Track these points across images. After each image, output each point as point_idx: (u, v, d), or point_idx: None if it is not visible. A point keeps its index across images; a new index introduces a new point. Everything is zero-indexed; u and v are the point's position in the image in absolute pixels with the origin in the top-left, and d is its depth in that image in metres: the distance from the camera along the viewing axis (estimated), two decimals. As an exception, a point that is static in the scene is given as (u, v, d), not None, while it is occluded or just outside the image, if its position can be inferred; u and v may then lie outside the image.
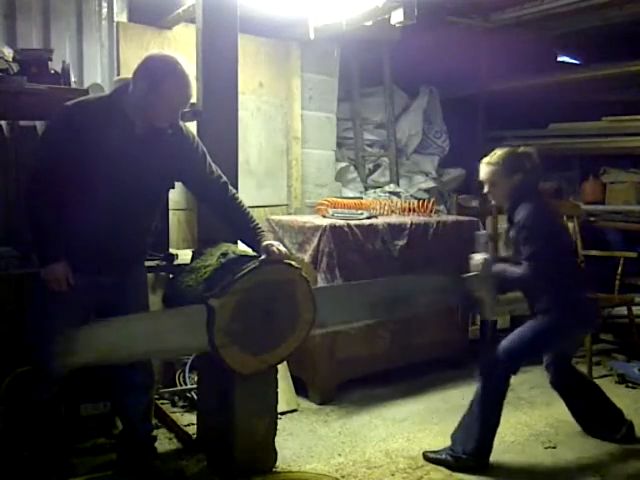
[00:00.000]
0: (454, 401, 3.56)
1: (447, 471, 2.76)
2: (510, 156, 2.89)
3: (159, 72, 2.26)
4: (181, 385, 3.52)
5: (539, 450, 3.01)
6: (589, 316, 2.96)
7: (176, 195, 3.69)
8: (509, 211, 2.90)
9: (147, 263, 2.75)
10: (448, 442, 2.86)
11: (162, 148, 2.38)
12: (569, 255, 2.99)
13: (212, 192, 2.56)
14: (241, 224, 2.58)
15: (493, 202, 3.09)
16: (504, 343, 2.81)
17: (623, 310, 4.30)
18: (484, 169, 2.95)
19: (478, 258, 2.89)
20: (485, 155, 3.01)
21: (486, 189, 2.98)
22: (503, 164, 2.87)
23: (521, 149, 2.96)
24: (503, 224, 5.01)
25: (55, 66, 2.94)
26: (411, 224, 3.83)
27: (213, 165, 2.55)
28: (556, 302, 2.79)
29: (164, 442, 2.98)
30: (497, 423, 2.78)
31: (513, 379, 2.81)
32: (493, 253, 4.21)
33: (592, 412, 3.12)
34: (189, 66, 2.33)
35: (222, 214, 2.61)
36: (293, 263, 2.52)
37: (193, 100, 2.90)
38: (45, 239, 2.29)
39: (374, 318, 3.12)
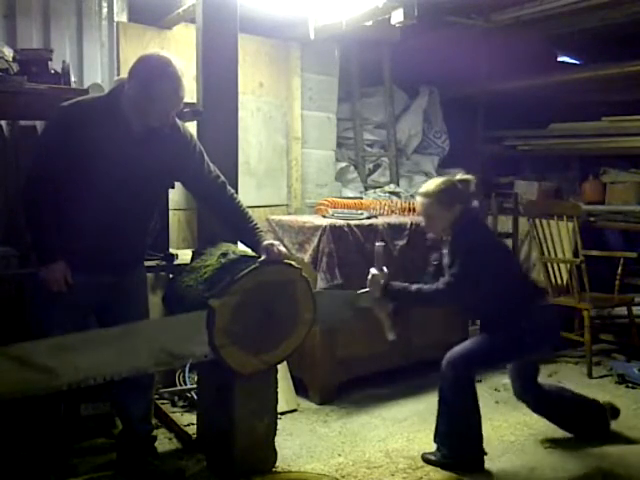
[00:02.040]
0: (454, 401, 3.56)
1: (447, 471, 2.75)
2: (445, 188, 2.73)
3: (150, 72, 2.27)
4: (181, 385, 3.52)
5: (539, 450, 3.01)
6: (539, 338, 2.80)
7: (176, 195, 3.69)
8: (451, 243, 2.75)
9: (147, 263, 2.76)
10: (448, 442, 2.86)
11: (159, 147, 2.38)
12: (514, 271, 2.89)
13: (210, 192, 2.56)
14: (240, 224, 2.58)
15: (430, 235, 2.92)
16: (471, 345, 2.79)
17: (623, 310, 4.30)
18: (420, 201, 2.78)
19: (374, 272, 2.77)
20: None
21: (423, 223, 2.84)
22: (439, 196, 2.72)
23: (458, 177, 2.81)
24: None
25: (55, 66, 2.94)
26: (411, 224, 3.83)
27: (211, 165, 2.55)
28: (500, 326, 2.74)
29: (164, 442, 2.98)
30: (479, 419, 2.76)
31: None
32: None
33: (571, 420, 3.08)
34: (183, 66, 2.32)
35: (220, 214, 2.62)
36: (293, 263, 2.52)
37: (193, 100, 2.93)
38: (43, 239, 2.29)
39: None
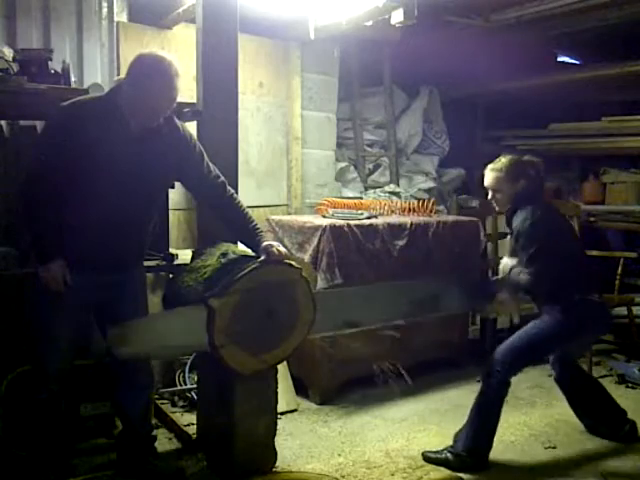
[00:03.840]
0: (454, 401, 3.56)
1: (447, 471, 2.76)
2: (514, 163, 2.94)
3: (141, 70, 2.27)
4: (181, 385, 3.52)
5: (539, 450, 3.01)
6: (596, 319, 2.91)
7: (176, 195, 3.69)
8: (508, 217, 2.92)
9: (147, 263, 2.76)
10: (447, 442, 2.87)
11: (158, 147, 2.37)
12: (576, 257, 2.96)
13: (210, 191, 2.56)
14: (240, 224, 2.58)
15: (496, 208, 3.10)
16: (506, 346, 2.82)
17: (623, 310, 4.30)
18: (488, 175, 2.98)
19: (505, 261, 2.91)
20: (485, 156, 3.04)
21: (490, 195, 3.00)
22: (507, 171, 2.91)
23: (526, 157, 3.01)
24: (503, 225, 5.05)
25: (55, 66, 2.94)
26: (411, 224, 3.83)
27: (211, 165, 2.55)
28: (562, 305, 2.80)
29: (164, 442, 2.98)
30: (496, 423, 2.80)
31: (512, 379, 2.81)
32: (495, 255, 4.22)
33: (595, 411, 3.13)
34: (180, 67, 2.32)
35: (220, 214, 2.61)
36: (293, 263, 2.52)
37: (193, 100, 2.92)
38: (42, 238, 2.30)
39: (404, 317, 3.08)
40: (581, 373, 3.19)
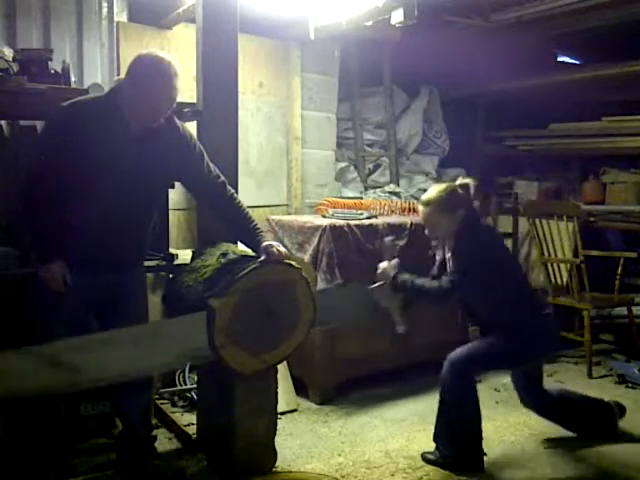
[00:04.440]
0: (454, 401, 3.56)
1: (447, 471, 2.76)
2: (448, 193, 2.74)
3: (141, 71, 2.27)
4: (181, 385, 3.52)
5: (539, 450, 3.01)
6: (542, 338, 2.81)
7: (176, 195, 3.69)
8: (454, 247, 2.77)
9: (147, 263, 2.76)
10: (447, 442, 2.87)
11: (158, 147, 2.38)
12: (517, 279, 2.88)
13: (210, 191, 2.56)
14: (240, 224, 2.58)
15: (435, 243, 2.93)
16: (474, 347, 2.80)
17: (623, 310, 4.30)
18: (422, 210, 2.79)
19: (384, 266, 2.81)
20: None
21: (427, 232, 2.83)
22: (440, 203, 2.72)
23: (458, 182, 2.82)
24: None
25: (55, 66, 2.94)
26: (411, 224, 3.83)
27: (211, 165, 2.55)
28: (514, 323, 2.75)
29: (164, 442, 2.98)
30: (479, 416, 2.76)
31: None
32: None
33: (579, 421, 3.09)
34: (179, 67, 2.32)
35: (220, 214, 2.61)
36: (293, 263, 2.52)
37: (193, 100, 2.93)
38: (42, 239, 2.30)
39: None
40: (544, 396, 3.03)
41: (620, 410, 3.13)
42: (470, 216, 2.76)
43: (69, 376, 2.14)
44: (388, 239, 2.97)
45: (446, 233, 2.78)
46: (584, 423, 3.10)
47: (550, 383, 3.29)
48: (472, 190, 2.79)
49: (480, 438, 2.78)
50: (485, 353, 2.78)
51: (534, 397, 3.02)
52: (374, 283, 2.83)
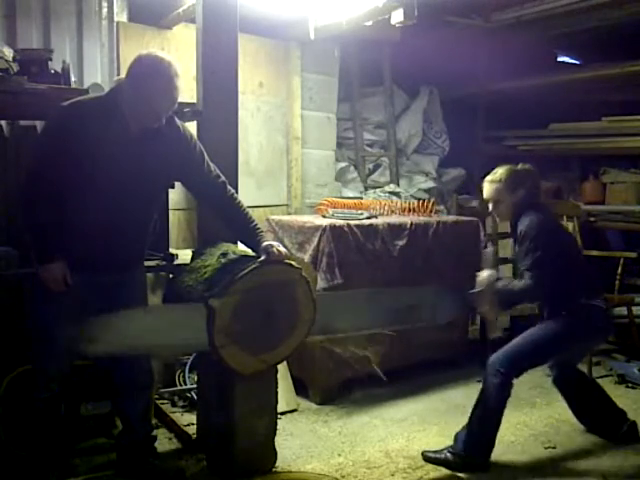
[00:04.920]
0: (454, 401, 3.56)
1: (447, 471, 2.76)
2: (512, 173, 2.96)
3: (143, 71, 2.27)
4: (181, 385, 3.53)
5: (539, 450, 3.01)
6: (599, 326, 2.91)
7: (176, 195, 3.69)
8: (512, 226, 2.95)
9: (147, 263, 2.75)
10: (447, 442, 2.86)
11: (159, 147, 2.37)
12: (577, 263, 2.98)
13: (210, 191, 2.56)
14: (240, 224, 2.57)
15: (498, 219, 3.15)
16: (509, 347, 2.82)
17: (623, 310, 4.30)
18: (487, 187, 3.01)
19: (484, 275, 2.88)
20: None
21: (491, 207, 3.03)
22: (506, 181, 2.94)
23: (520, 166, 3.02)
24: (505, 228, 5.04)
25: (55, 66, 2.94)
26: (411, 224, 3.83)
27: (211, 164, 2.55)
28: (564, 309, 2.82)
29: (164, 442, 2.98)
30: (498, 424, 2.79)
31: (515, 380, 2.81)
32: (496, 264, 4.21)
33: (593, 411, 3.13)
34: (180, 67, 2.32)
35: (221, 214, 2.61)
36: (293, 263, 2.52)
37: (193, 100, 2.92)
38: (42, 239, 2.29)
39: (377, 328, 3.11)
40: (579, 374, 3.18)
41: (630, 426, 3.11)
42: (530, 197, 2.92)
43: None
44: (488, 250, 3.13)
45: (507, 209, 2.97)
46: (596, 415, 3.12)
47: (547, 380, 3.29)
48: (536, 177, 3.00)
49: (494, 442, 2.80)
50: (529, 351, 2.81)
51: (567, 376, 3.10)
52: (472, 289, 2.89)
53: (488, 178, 3.01)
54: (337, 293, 3.20)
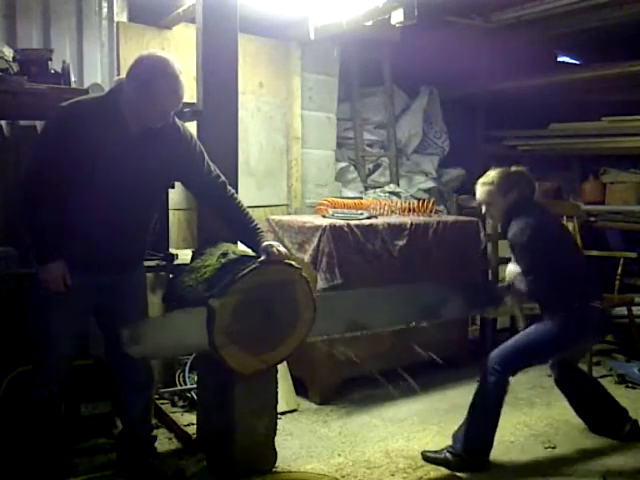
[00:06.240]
0: (454, 401, 3.56)
1: (447, 471, 2.76)
2: (505, 176, 2.97)
3: (148, 73, 2.26)
4: (181, 385, 3.52)
5: (539, 450, 3.01)
6: (597, 327, 2.92)
7: (176, 195, 3.68)
8: (504, 228, 2.96)
9: (147, 263, 2.76)
10: (447, 442, 2.86)
11: (159, 147, 2.37)
12: (576, 263, 2.97)
13: (210, 192, 2.56)
14: (240, 224, 2.57)
15: (491, 221, 3.14)
16: (506, 346, 2.83)
17: (623, 310, 4.30)
18: (479, 190, 3.02)
19: (511, 268, 2.93)
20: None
21: (484, 209, 3.04)
22: (498, 183, 2.94)
23: (514, 168, 3.03)
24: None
25: (55, 66, 2.94)
26: (411, 224, 3.83)
27: (211, 165, 2.55)
28: (561, 310, 2.81)
29: (164, 442, 2.98)
30: (496, 423, 2.79)
31: (512, 379, 2.81)
32: (495, 255, 4.22)
33: (595, 411, 3.13)
34: (182, 66, 2.32)
35: (221, 214, 2.61)
36: (293, 263, 2.52)
37: (193, 100, 2.92)
38: (42, 239, 2.29)
39: (404, 324, 3.10)
40: (580, 374, 3.19)
41: (633, 425, 3.10)
42: (522, 199, 2.93)
43: None
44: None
45: (499, 212, 2.98)
46: (598, 415, 3.12)
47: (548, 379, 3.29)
48: (530, 178, 3.00)
49: (492, 441, 2.80)
50: (525, 351, 2.82)
51: (568, 376, 3.10)
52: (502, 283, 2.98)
53: (480, 180, 3.02)
54: (368, 290, 3.19)
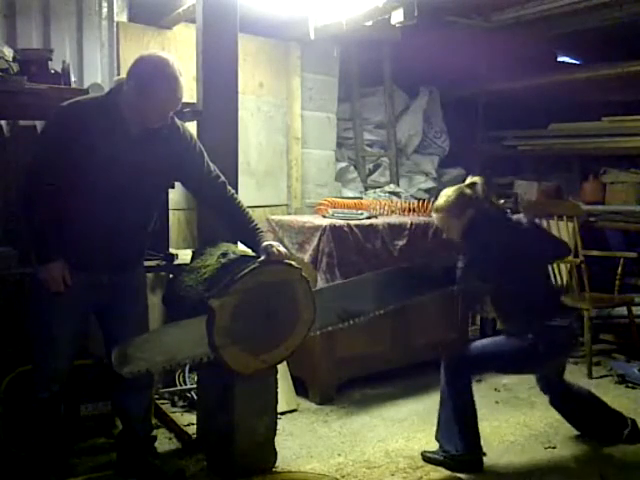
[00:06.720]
0: (454, 401, 3.56)
1: (447, 471, 2.76)
2: (455, 199, 2.86)
3: (148, 73, 2.26)
4: (181, 385, 3.52)
5: (539, 450, 3.01)
6: (560, 345, 2.83)
7: (176, 195, 3.69)
8: (465, 245, 2.87)
9: (147, 263, 2.76)
10: (448, 442, 2.87)
11: (159, 147, 2.37)
12: (534, 281, 2.87)
13: (210, 192, 2.56)
14: (240, 224, 2.57)
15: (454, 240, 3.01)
16: (476, 347, 2.83)
17: (623, 310, 4.30)
18: (434, 216, 2.95)
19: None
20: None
21: (445, 235, 2.98)
22: (448, 209, 2.86)
23: (467, 182, 2.94)
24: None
25: (55, 66, 2.94)
26: (411, 224, 3.83)
27: (211, 165, 2.55)
28: (526, 331, 2.75)
29: (164, 442, 2.98)
30: (474, 415, 2.77)
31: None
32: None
33: (592, 423, 3.08)
34: (181, 66, 2.32)
35: (220, 214, 2.61)
36: (293, 263, 2.52)
37: (193, 100, 2.93)
38: (42, 238, 2.29)
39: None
40: (569, 390, 3.07)
41: (632, 426, 3.08)
42: (479, 215, 2.83)
43: None
44: None
45: (457, 234, 2.88)
46: (593, 426, 3.09)
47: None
48: (480, 188, 2.88)
49: (478, 437, 2.78)
50: (488, 355, 2.80)
51: (558, 393, 3.05)
52: None
53: (434, 207, 2.94)
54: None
